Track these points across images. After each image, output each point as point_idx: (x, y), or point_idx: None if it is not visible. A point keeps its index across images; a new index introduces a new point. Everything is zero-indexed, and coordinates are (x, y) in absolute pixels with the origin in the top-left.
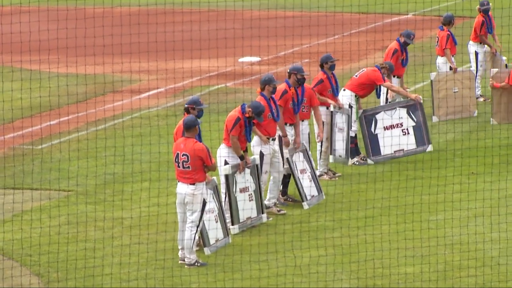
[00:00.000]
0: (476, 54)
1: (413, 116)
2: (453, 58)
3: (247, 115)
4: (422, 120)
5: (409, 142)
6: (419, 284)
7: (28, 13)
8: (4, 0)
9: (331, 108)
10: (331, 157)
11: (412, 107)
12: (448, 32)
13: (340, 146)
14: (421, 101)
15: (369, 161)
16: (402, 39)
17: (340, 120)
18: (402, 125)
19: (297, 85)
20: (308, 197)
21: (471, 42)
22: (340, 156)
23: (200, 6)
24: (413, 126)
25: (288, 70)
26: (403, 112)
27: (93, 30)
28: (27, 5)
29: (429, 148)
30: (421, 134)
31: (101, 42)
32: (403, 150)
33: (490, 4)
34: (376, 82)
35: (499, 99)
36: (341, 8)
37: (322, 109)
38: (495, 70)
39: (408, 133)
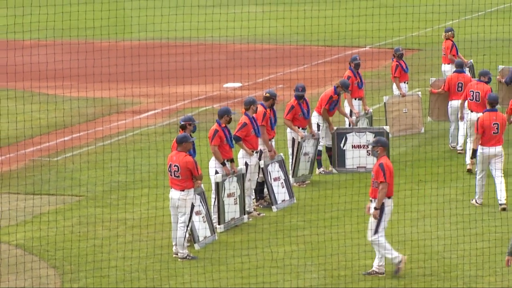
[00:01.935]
0: None
1: None
2: (405, 84)
3: (223, 125)
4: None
5: (372, 162)
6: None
7: (45, 46)
8: (25, 36)
9: (299, 139)
10: (292, 179)
11: (379, 134)
12: (397, 63)
13: (303, 166)
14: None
15: (334, 170)
16: (352, 65)
17: (308, 145)
18: (368, 147)
19: (270, 107)
20: (279, 202)
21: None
22: (302, 174)
23: (190, 40)
24: None
25: (268, 95)
26: (370, 136)
27: (101, 61)
28: (44, 40)
29: None
30: None
31: (107, 70)
32: (365, 167)
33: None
34: (328, 95)
35: (435, 102)
36: (309, 42)
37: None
38: (434, 79)
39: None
